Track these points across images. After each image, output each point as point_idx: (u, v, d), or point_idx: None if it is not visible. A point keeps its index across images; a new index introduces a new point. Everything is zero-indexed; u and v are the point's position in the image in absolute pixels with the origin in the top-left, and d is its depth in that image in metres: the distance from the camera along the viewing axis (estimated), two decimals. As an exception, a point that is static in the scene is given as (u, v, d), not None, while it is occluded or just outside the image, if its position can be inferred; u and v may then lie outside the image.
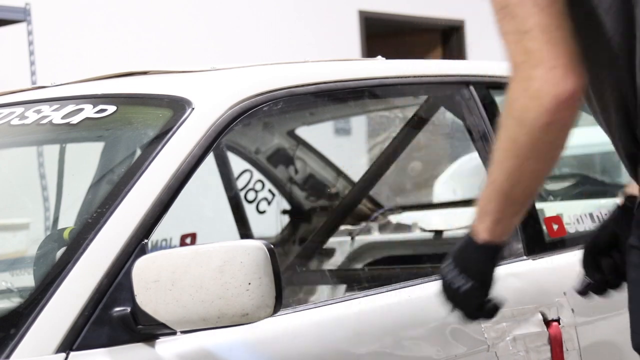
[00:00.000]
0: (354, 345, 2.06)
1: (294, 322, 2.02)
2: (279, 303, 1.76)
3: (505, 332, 2.30)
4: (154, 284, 1.76)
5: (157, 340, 1.82)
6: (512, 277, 2.40)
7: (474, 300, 1.81)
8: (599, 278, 1.96)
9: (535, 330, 2.36)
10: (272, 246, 1.77)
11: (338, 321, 2.08)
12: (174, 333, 1.81)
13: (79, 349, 1.75)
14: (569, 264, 2.33)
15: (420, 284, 2.29)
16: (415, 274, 2.58)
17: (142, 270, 1.79)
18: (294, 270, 3.20)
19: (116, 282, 1.81)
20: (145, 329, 1.79)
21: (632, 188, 1.88)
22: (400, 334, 2.15)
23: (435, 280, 2.25)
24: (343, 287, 3.13)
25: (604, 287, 1.97)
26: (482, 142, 2.54)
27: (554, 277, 2.43)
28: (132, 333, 1.80)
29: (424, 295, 2.25)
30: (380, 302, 2.18)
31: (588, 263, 1.98)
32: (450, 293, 1.82)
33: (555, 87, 1.64)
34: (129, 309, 1.79)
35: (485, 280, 1.80)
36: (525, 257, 2.46)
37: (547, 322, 2.39)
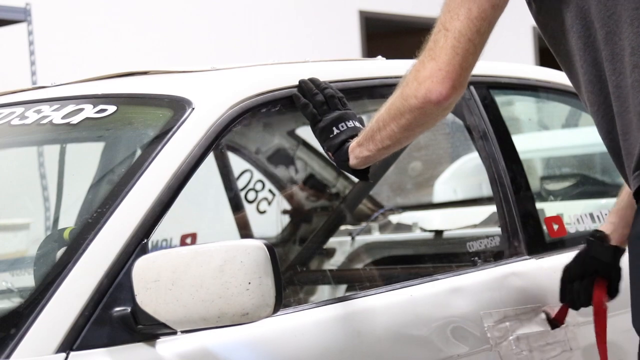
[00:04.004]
0: (355, 344, 2.06)
1: (295, 321, 2.02)
2: (279, 302, 1.76)
3: (509, 331, 2.30)
4: (154, 283, 1.76)
5: (158, 340, 1.82)
6: (514, 276, 2.40)
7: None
8: (569, 300, 2.36)
9: (538, 330, 2.36)
10: (272, 246, 1.77)
11: (340, 320, 2.07)
12: (174, 333, 1.81)
13: (79, 348, 1.75)
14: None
15: (423, 283, 2.29)
16: (417, 274, 2.58)
17: (143, 270, 1.79)
18: (294, 271, 3.19)
19: (117, 282, 1.81)
20: (146, 328, 1.79)
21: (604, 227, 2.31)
22: (402, 333, 2.15)
23: (438, 280, 2.26)
24: (344, 287, 3.13)
25: (577, 306, 2.37)
26: (482, 142, 2.54)
27: (557, 276, 2.43)
28: (132, 333, 1.79)
29: (427, 295, 2.25)
30: (382, 302, 2.18)
31: (563, 289, 2.35)
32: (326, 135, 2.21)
33: (432, 84, 1.94)
34: (129, 309, 1.79)
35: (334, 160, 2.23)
36: (527, 257, 2.46)
37: (551, 322, 2.39)
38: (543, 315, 2.39)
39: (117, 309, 1.79)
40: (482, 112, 2.55)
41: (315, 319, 2.05)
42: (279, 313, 1.91)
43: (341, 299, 2.19)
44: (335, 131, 2.20)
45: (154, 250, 1.85)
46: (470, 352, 2.23)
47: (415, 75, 1.98)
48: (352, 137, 2.19)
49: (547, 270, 2.47)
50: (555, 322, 2.41)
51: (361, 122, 2.26)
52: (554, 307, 2.40)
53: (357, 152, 2.16)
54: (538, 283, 2.43)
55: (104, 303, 1.79)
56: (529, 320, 2.34)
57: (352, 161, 2.17)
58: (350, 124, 2.21)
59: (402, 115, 2.03)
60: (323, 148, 2.24)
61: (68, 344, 1.74)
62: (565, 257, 2.48)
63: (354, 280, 3.02)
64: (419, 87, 1.97)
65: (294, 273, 3.19)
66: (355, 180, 3.34)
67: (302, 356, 1.98)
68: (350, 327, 2.08)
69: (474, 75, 2.58)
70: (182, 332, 1.82)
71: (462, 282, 2.33)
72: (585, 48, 1.92)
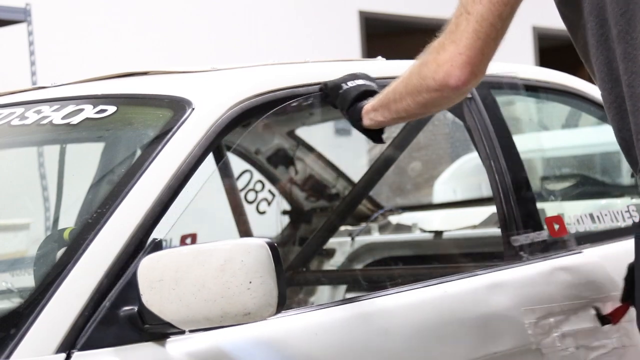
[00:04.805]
0: (381, 342, 2.04)
1: (314, 319, 2.00)
2: (282, 302, 1.74)
3: (553, 328, 2.27)
4: (158, 283, 1.76)
5: (167, 340, 1.81)
6: (561, 270, 2.38)
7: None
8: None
9: (587, 326, 2.33)
10: (275, 244, 1.75)
11: (364, 318, 2.05)
12: (182, 332, 1.81)
13: (85, 348, 1.74)
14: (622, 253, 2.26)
15: (458, 279, 2.26)
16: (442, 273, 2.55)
17: (147, 269, 1.78)
18: (298, 271, 3.19)
19: (126, 281, 1.80)
20: (153, 328, 1.79)
21: None
22: (434, 331, 2.13)
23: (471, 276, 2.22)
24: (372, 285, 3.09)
25: None
26: (482, 142, 2.53)
27: (607, 269, 2.39)
28: (140, 332, 1.79)
29: (462, 291, 2.22)
30: (412, 299, 2.15)
31: (630, 290, 2.14)
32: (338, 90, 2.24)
33: (451, 68, 1.93)
34: (136, 308, 1.79)
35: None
36: (576, 250, 2.45)
37: (602, 318, 2.35)
38: (593, 311, 2.35)
39: (125, 308, 1.79)
40: (482, 112, 2.54)
41: (335, 318, 2.03)
42: (298, 311, 1.90)
43: (367, 296, 2.16)
44: (344, 87, 2.23)
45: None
46: (509, 349, 2.20)
47: (434, 57, 1.97)
48: (363, 94, 2.21)
49: (598, 263, 2.44)
50: (608, 319, 2.33)
51: (371, 79, 2.28)
52: (606, 303, 2.35)
53: (372, 115, 2.18)
54: (588, 277, 2.39)
55: (112, 302, 1.79)
56: (577, 316, 2.30)
57: (366, 122, 2.20)
58: (359, 81, 2.24)
59: (418, 93, 2.04)
60: (337, 107, 2.26)
61: (68, 344, 1.74)
62: (618, 247, 2.43)
63: (383, 279, 2.99)
64: (438, 70, 1.96)
65: (299, 273, 3.19)
66: (353, 180, 3.36)
67: (321, 355, 1.96)
68: (376, 325, 2.05)
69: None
70: (191, 331, 1.81)
71: (472, 281, 2.31)
72: (598, 45, 1.90)
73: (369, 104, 2.19)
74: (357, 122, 2.22)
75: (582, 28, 1.93)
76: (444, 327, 2.15)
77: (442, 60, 1.95)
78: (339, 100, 2.24)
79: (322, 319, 2.01)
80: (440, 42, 1.98)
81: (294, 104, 2.24)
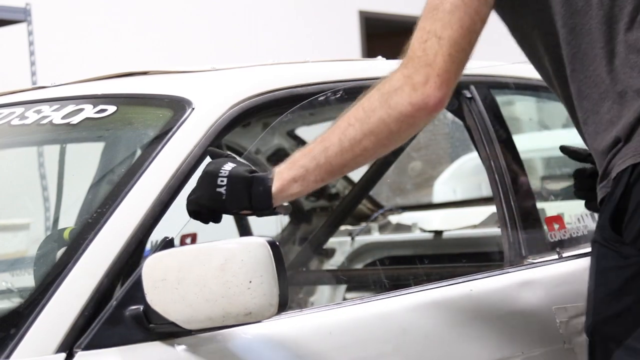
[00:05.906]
0: (398, 342, 2.03)
1: (327, 319, 1.99)
2: (284, 302, 1.73)
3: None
4: (161, 282, 1.75)
5: (173, 339, 1.80)
6: None
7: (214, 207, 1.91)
8: None
9: None
10: (276, 243, 1.74)
11: (381, 318, 2.04)
12: (189, 332, 1.80)
13: (90, 347, 1.74)
14: None
15: (484, 277, 2.24)
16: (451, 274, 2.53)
17: (151, 268, 1.78)
18: (298, 271, 3.19)
19: (133, 280, 1.80)
20: (158, 327, 1.78)
21: None
22: (455, 330, 2.11)
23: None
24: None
25: None
26: (482, 142, 2.53)
27: None
28: (145, 332, 1.78)
29: (488, 289, 2.20)
30: (433, 297, 2.13)
31: None
32: (207, 186, 1.90)
33: (431, 89, 1.86)
34: (142, 308, 1.78)
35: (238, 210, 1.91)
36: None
37: None
38: None
39: (131, 307, 1.78)
40: (482, 112, 2.54)
41: (350, 317, 2.01)
42: (312, 310, 1.88)
43: (384, 295, 2.14)
44: (220, 190, 1.90)
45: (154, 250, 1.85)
46: (538, 349, 2.18)
47: (405, 82, 1.89)
48: (245, 179, 1.90)
49: None
50: None
51: (233, 159, 1.96)
52: None
53: (293, 189, 1.91)
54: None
55: (118, 302, 1.78)
56: None
57: (285, 200, 1.93)
58: (225, 168, 1.92)
59: (386, 126, 1.89)
60: (237, 212, 1.94)
61: (68, 344, 1.74)
62: None
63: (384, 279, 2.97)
64: (414, 94, 1.87)
65: (299, 272, 3.19)
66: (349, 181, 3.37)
67: (336, 355, 1.94)
68: (394, 324, 2.04)
69: (474, 75, 2.59)
70: (197, 331, 1.80)
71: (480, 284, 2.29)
72: (558, 82, 1.94)
73: (280, 181, 1.90)
74: (267, 211, 1.92)
75: (539, 60, 1.96)
76: (468, 326, 2.13)
77: (417, 84, 1.87)
78: (229, 204, 1.90)
79: (337, 318, 2.00)
80: (406, 67, 1.90)
81: (296, 103, 2.24)
